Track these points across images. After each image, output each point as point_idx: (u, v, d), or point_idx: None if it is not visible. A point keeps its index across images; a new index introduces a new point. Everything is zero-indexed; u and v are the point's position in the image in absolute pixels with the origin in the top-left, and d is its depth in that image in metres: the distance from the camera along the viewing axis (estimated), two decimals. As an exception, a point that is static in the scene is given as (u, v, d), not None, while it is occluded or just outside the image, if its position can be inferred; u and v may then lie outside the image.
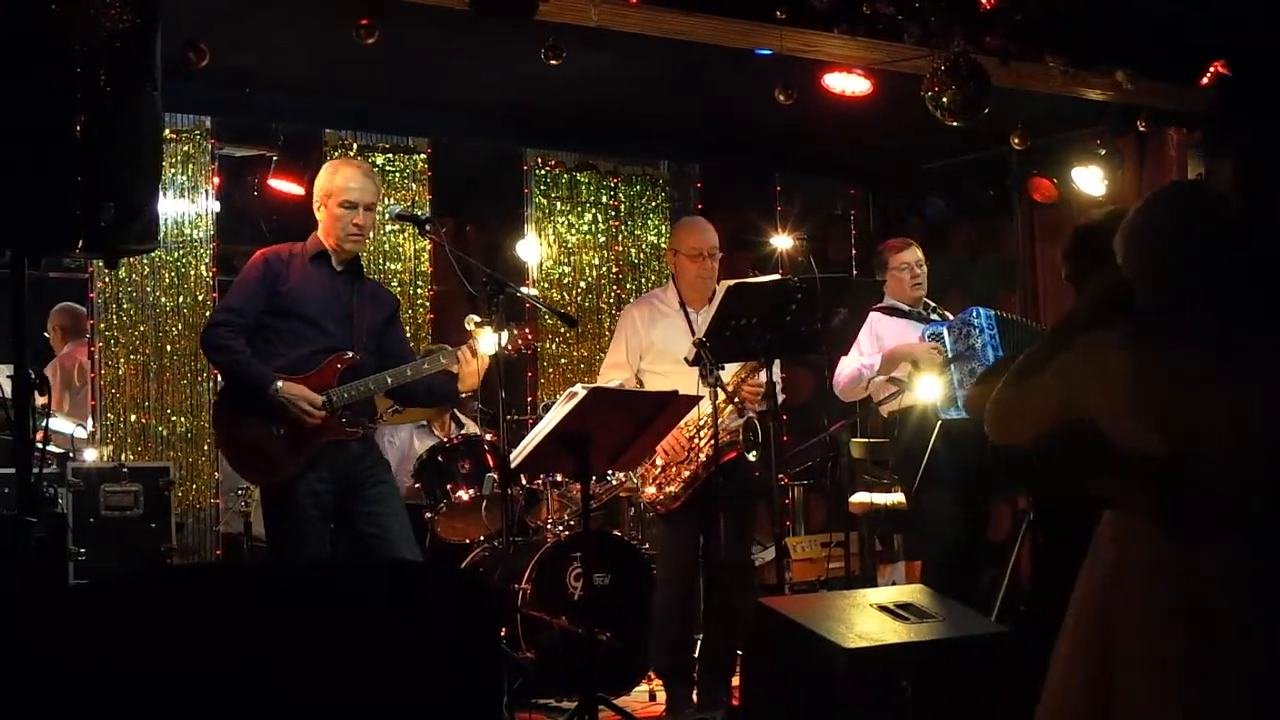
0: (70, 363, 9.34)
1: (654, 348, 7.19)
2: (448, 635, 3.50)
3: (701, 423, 6.78)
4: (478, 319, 6.14)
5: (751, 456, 6.96)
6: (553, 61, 7.08)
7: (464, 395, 6.49)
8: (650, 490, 7.03)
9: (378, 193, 6.39)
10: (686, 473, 6.92)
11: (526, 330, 6.40)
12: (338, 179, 6.19)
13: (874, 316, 7.47)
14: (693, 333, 7.04)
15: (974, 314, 7.44)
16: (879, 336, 7.66)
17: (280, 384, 5.97)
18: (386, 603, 3.52)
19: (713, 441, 6.50)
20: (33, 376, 4.47)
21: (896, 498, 8.44)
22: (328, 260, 6.23)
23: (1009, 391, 3.86)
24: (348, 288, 6.25)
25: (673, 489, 6.95)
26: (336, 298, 6.20)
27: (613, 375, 7.19)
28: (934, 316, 7.85)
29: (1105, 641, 3.63)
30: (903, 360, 7.56)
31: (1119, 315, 3.77)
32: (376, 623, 3.44)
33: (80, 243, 4.31)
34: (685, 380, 6.56)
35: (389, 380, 6.18)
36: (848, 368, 7.66)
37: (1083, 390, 3.68)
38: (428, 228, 6.76)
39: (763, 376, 6.72)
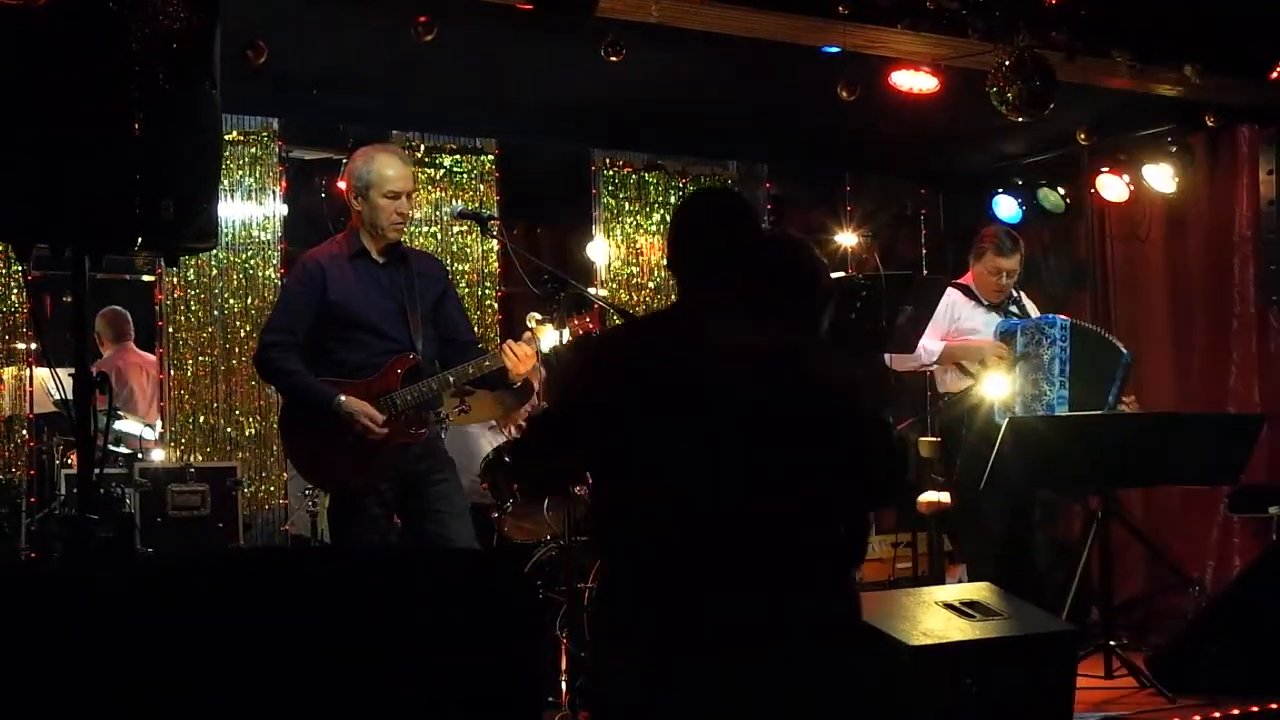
0: (110, 367, 9.22)
1: None
2: (472, 623, 3.48)
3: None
4: (539, 316, 6.10)
5: None
6: (613, 58, 7.07)
7: (514, 384, 6.40)
8: None
9: (414, 177, 6.38)
10: None
11: (588, 319, 6.31)
12: (378, 169, 6.06)
13: (955, 294, 7.46)
14: None
15: (1050, 321, 7.42)
16: (955, 318, 7.66)
17: (342, 399, 5.91)
18: (404, 589, 3.50)
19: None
20: (94, 376, 4.48)
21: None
22: (369, 255, 6.13)
23: None
24: (394, 279, 6.13)
25: None
26: (387, 295, 6.10)
27: None
28: (1014, 310, 7.80)
29: None
30: (964, 359, 7.54)
31: None
32: (387, 608, 3.43)
33: (139, 240, 4.32)
34: None
35: (451, 379, 6.12)
36: None
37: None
38: (490, 225, 6.71)
39: None
